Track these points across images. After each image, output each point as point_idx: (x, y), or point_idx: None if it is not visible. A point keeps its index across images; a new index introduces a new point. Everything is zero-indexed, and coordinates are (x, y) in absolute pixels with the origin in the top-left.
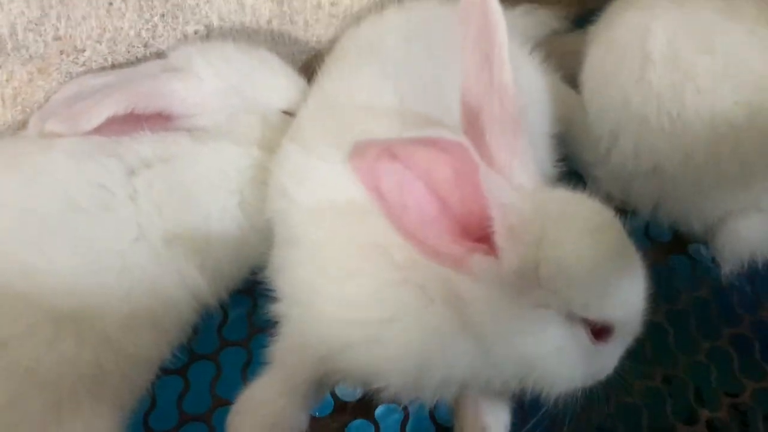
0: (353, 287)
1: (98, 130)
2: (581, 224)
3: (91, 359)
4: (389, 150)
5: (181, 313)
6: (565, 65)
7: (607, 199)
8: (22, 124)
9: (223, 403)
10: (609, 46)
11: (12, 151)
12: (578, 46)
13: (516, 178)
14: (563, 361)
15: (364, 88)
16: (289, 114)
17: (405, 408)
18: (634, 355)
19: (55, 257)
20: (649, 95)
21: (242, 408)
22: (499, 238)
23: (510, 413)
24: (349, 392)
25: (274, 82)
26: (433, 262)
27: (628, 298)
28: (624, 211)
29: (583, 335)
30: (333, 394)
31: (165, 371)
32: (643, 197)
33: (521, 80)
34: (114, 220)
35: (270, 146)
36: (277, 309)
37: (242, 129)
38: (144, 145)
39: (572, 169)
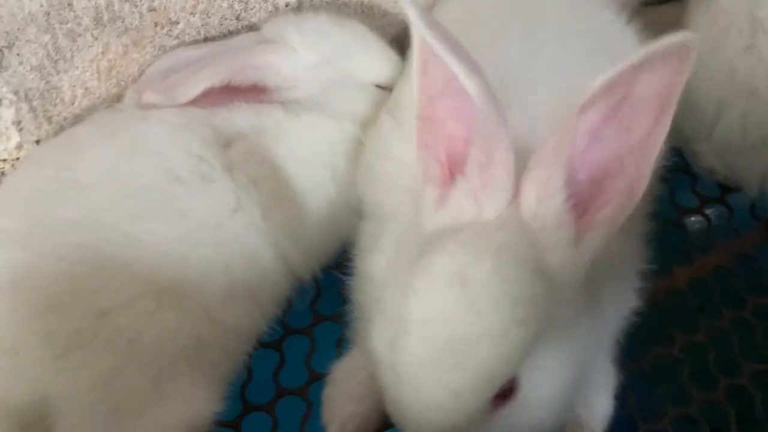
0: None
1: (194, 102)
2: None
3: (191, 331)
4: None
5: (276, 287)
6: (663, 36)
7: (710, 174)
8: (117, 98)
9: (319, 377)
10: (714, 15)
11: (110, 124)
12: (676, 16)
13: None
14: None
15: None
16: (383, 88)
17: None
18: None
19: (155, 229)
20: (758, 65)
21: (336, 378)
22: (452, 200)
23: (611, 403)
24: None
25: (368, 55)
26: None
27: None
28: (728, 188)
29: None
30: None
31: (261, 344)
32: (749, 173)
33: (619, 51)
34: (212, 192)
35: (362, 120)
36: (351, 284)
37: (335, 102)
38: (239, 117)
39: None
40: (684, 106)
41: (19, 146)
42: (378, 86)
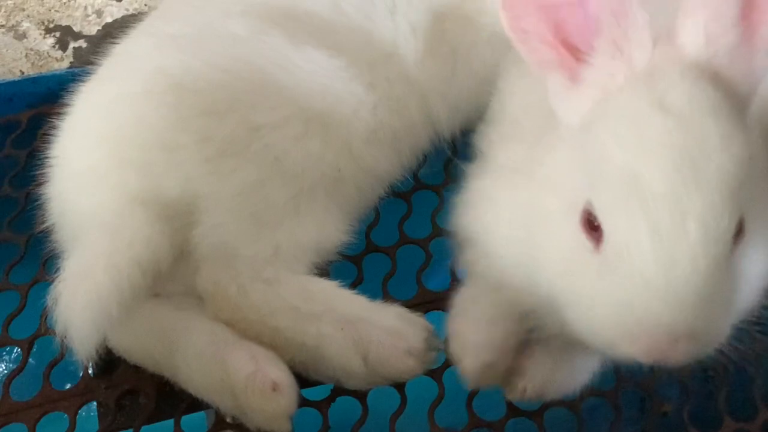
0: None
1: None
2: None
3: (332, 162)
4: None
5: (417, 139)
6: None
7: None
8: None
9: (442, 232)
10: None
11: None
12: None
13: (680, 36)
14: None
15: None
16: None
17: None
18: None
19: (313, 57)
20: None
21: (458, 310)
22: (592, 71)
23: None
24: None
25: None
26: (517, 47)
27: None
28: None
29: (579, 230)
30: None
31: (393, 193)
32: None
33: None
34: (371, 31)
35: None
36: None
37: None
38: None
39: None
40: None
41: None
42: None
